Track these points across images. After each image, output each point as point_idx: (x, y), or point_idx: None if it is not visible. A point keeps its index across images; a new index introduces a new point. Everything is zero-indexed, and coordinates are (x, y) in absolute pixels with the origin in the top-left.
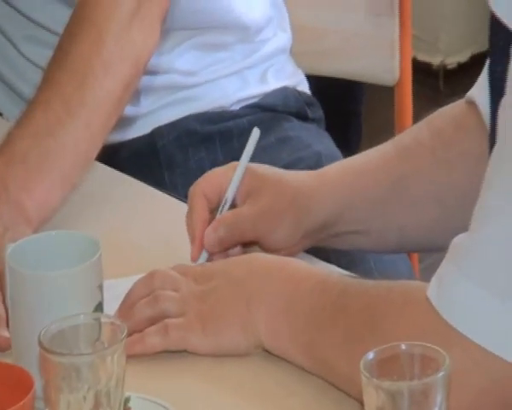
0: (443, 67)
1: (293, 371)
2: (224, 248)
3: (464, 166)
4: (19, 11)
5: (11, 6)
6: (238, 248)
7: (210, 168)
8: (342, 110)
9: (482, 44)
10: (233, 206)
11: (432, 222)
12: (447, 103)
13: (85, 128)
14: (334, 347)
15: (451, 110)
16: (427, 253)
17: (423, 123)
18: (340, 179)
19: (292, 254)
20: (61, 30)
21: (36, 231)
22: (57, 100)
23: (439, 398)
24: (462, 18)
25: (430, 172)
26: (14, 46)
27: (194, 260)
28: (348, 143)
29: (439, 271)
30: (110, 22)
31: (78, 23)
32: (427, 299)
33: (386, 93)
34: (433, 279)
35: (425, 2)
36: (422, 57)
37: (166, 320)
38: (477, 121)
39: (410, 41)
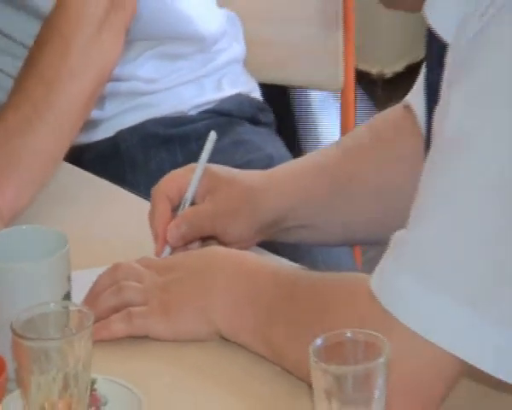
0: (381, 76)
1: (249, 356)
2: (185, 243)
3: (402, 166)
4: None
5: None
6: (197, 243)
7: (170, 169)
8: (291, 115)
9: (416, 56)
10: (193, 204)
11: (373, 218)
12: (385, 109)
13: (53, 131)
14: (286, 335)
15: (390, 114)
16: (369, 246)
17: (365, 126)
18: (288, 179)
19: (246, 248)
20: (30, 42)
21: (7, 225)
22: (27, 104)
23: (380, 381)
24: (398, 31)
25: (371, 172)
26: None
27: (158, 255)
28: (298, 144)
29: (381, 264)
30: (77, 33)
31: (46, 34)
32: (370, 290)
33: (331, 99)
34: (375, 272)
35: (365, 16)
36: (363, 67)
37: (130, 308)
38: (413, 124)
39: (352, 52)
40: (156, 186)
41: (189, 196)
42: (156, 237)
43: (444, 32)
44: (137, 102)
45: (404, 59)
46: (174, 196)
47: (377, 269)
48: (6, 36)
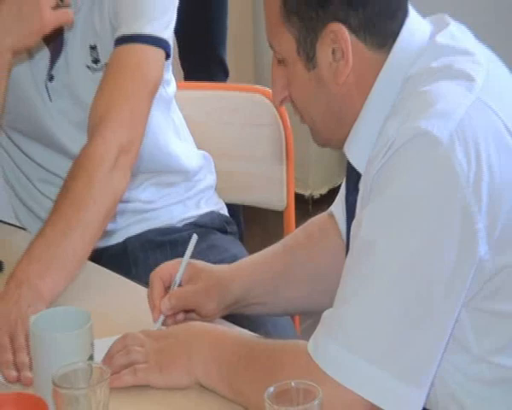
0: (311, 197)
1: (220, 400)
2: (173, 313)
3: (327, 257)
4: (33, 160)
5: (27, 156)
6: (182, 314)
7: None
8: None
9: (335, 182)
10: (180, 285)
11: (308, 296)
12: None
13: (81, 239)
14: (248, 385)
15: (319, 219)
16: (306, 316)
17: (301, 229)
18: (247, 269)
19: (216, 318)
20: (64, 175)
21: (48, 306)
22: (61, 221)
23: None
24: (323, 165)
25: (305, 263)
26: (32, 184)
27: (155, 320)
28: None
29: (315, 334)
30: (97, 170)
31: (76, 169)
32: (308, 352)
33: (277, 215)
34: (311, 340)
35: (300, 154)
36: (298, 190)
37: (135, 365)
38: (335, 226)
39: (293, 180)
40: (153, 272)
41: (177, 279)
42: (153, 308)
43: (358, 165)
44: (140, 218)
45: (327, 184)
46: (166, 279)
47: (312, 337)
48: (47, 170)
